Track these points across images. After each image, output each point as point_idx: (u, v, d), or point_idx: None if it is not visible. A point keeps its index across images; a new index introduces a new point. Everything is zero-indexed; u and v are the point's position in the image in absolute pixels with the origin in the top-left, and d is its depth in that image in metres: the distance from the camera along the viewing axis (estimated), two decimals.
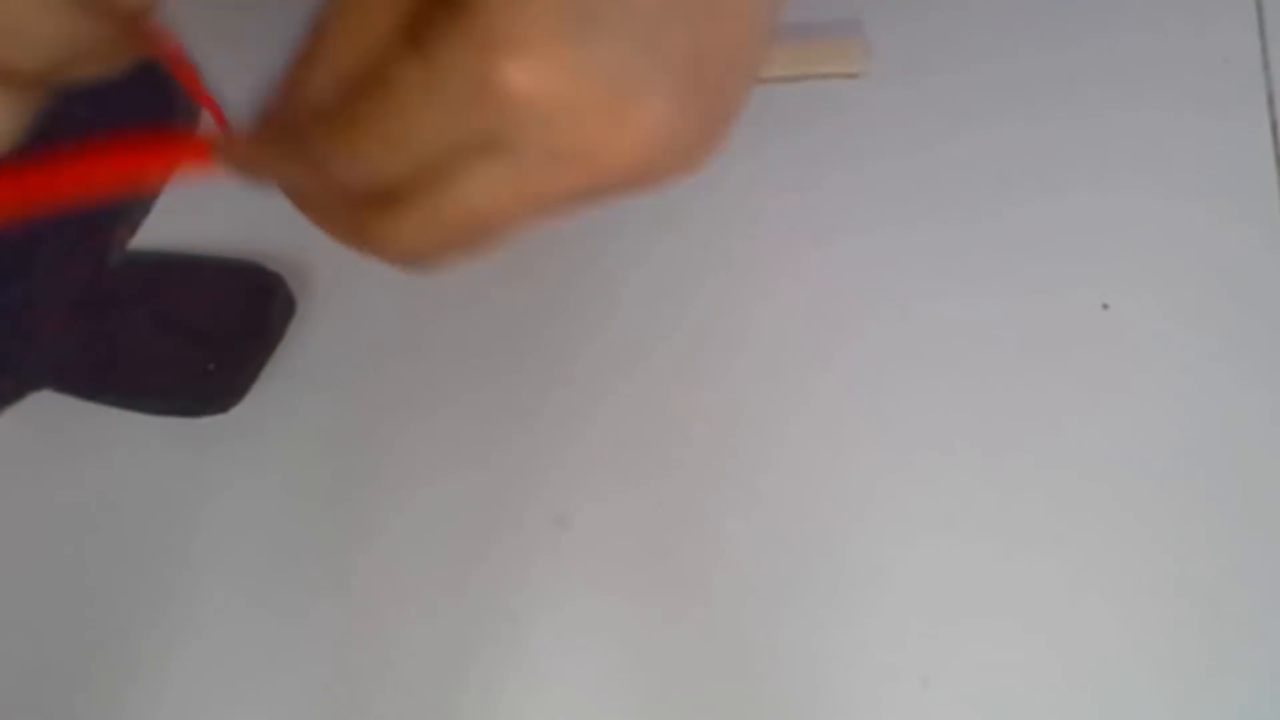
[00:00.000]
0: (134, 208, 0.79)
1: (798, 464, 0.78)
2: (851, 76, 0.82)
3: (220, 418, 0.81)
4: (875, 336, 0.81)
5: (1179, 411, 0.78)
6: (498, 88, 0.27)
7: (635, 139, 0.30)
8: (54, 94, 0.33)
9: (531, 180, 0.30)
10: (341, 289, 0.85)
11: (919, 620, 0.73)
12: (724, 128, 0.32)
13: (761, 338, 0.82)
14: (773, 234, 0.85)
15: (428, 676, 0.74)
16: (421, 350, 0.83)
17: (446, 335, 0.83)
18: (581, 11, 0.28)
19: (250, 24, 0.74)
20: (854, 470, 0.78)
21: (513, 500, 0.78)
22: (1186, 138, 0.86)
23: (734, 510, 0.77)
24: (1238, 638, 0.72)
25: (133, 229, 0.80)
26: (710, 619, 0.74)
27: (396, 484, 0.79)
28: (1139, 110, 0.87)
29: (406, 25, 0.29)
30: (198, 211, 0.85)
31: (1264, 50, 0.89)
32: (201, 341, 0.81)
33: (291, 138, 0.31)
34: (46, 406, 0.80)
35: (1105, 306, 0.82)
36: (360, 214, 0.31)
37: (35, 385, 0.80)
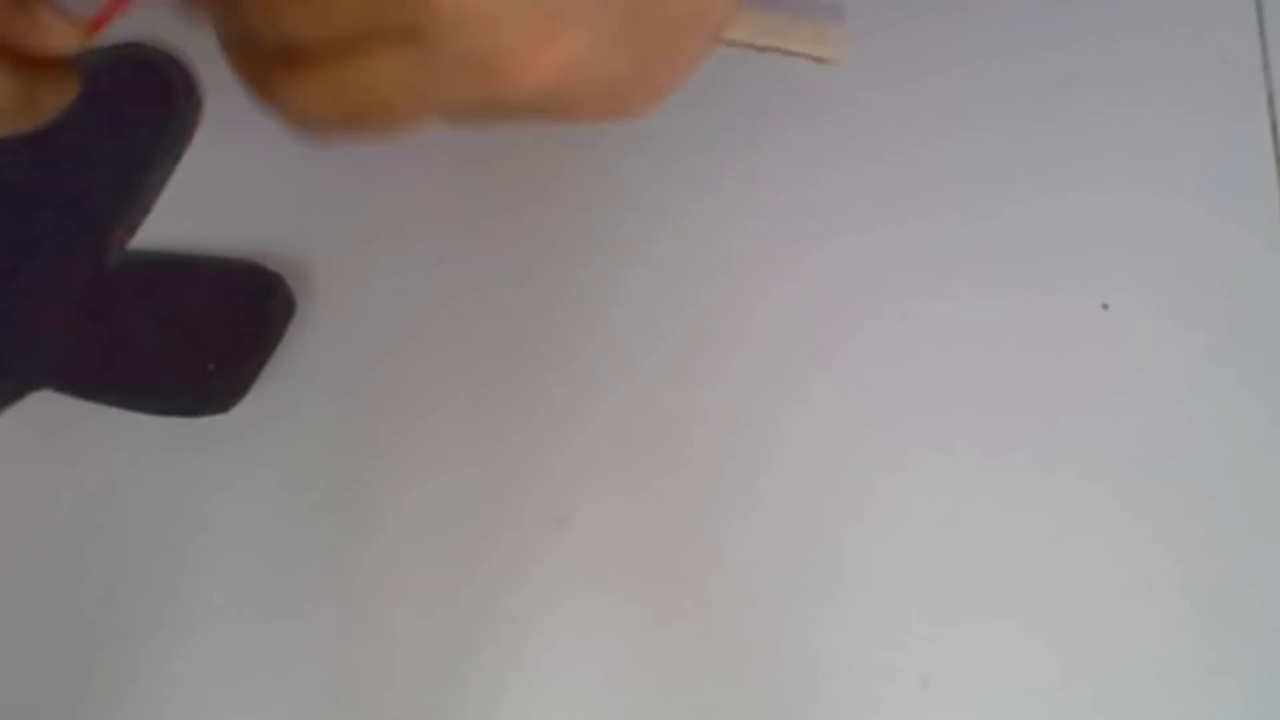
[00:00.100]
0: (134, 208, 0.79)
1: (798, 464, 0.78)
2: (822, 61, 0.81)
3: (220, 418, 0.81)
4: (875, 336, 0.81)
5: (1179, 411, 0.78)
6: None
7: (549, 64, 0.30)
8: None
9: (437, 80, 0.30)
10: (341, 289, 0.85)
11: (919, 620, 0.73)
12: (668, 76, 0.32)
13: (761, 337, 0.82)
14: (772, 234, 0.85)
15: (428, 676, 0.74)
16: (421, 350, 0.83)
17: (446, 335, 0.83)
18: None
19: None
20: (854, 470, 0.78)
21: (513, 500, 0.78)
22: (1186, 138, 0.86)
23: (734, 510, 0.77)
24: (1238, 638, 0.72)
25: (132, 229, 0.80)
26: (710, 619, 0.74)
27: (396, 483, 0.79)
28: (1138, 110, 0.87)
29: None
30: (198, 211, 0.86)
31: (1264, 50, 0.89)
32: (201, 341, 0.81)
33: None
34: (46, 406, 0.80)
35: (1105, 306, 0.82)
36: (269, 68, 0.32)
37: (35, 385, 0.80)
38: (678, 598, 0.75)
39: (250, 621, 0.76)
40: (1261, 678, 0.71)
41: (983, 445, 0.78)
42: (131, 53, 0.84)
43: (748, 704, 0.73)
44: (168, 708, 0.74)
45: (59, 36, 0.32)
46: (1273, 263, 0.82)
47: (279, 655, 0.75)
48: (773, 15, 0.86)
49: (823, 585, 0.75)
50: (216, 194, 0.86)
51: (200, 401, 0.81)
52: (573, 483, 0.78)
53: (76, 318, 0.80)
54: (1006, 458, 0.77)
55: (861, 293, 0.83)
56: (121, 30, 0.52)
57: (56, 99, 0.35)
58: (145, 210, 0.82)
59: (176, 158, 0.83)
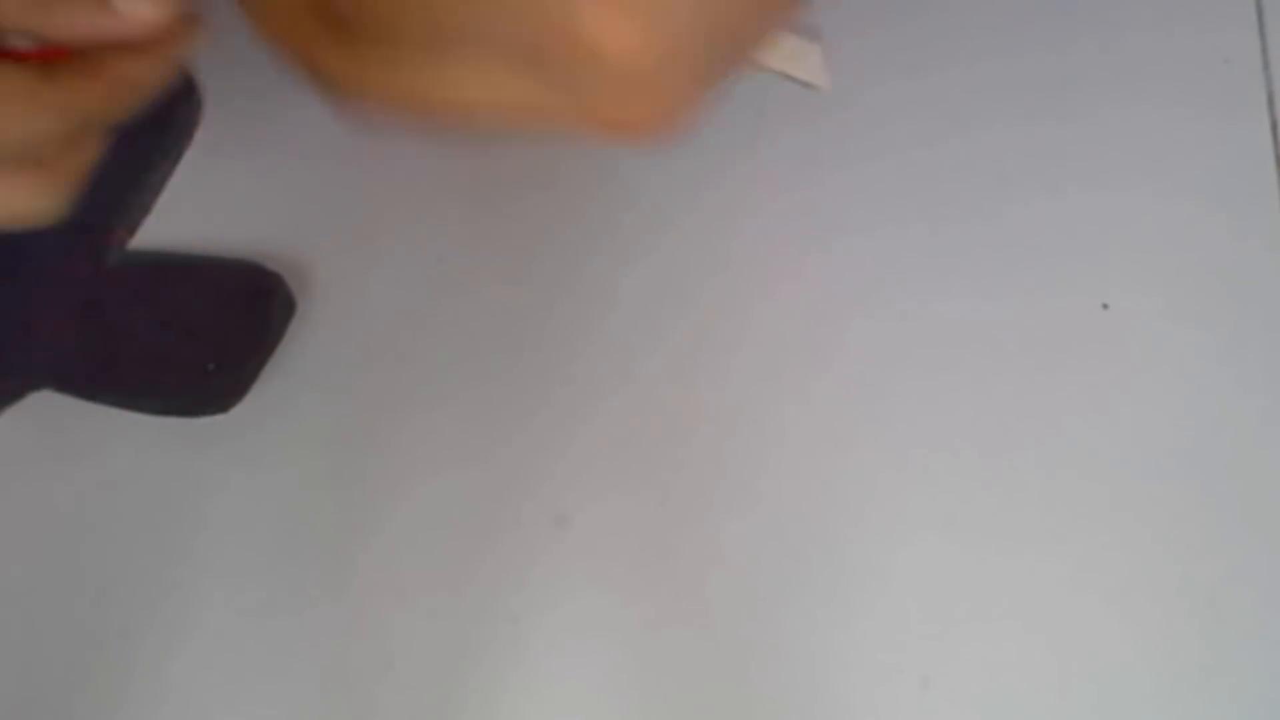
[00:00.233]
0: (134, 208, 0.79)
1: (798, 464, 0.78)
2: (807, 86, 0.81)
3: (220, 418, 0.81)
4: (875, 336, 0.81)
5: (1179, 411, 0.78)
6: (566, 20, 0.27)
7: (649, 107, 0.29)
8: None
9: (537, 102, 0.29)
10: (341, 289, 0.85)
11: (919, 620, 0.73)
12: (694, 99, 0.31)
13: (761, 337, 0.82)
14: (772, 234, 0.85)
15: (428, 676, 0.74)
16: (421, 350, 0.83)
17: (446, 335, 0.83)
18: None
19: None
20: (854, 470, 0.78)
21: (513, 500, 0.78)
22: (1186, 138, 0.86)
23: (734, 510, 0.77)
24: (1238, 638, 0.72)
25: (132, 229, 0.80)
26: (710, 619, 0.74)
27: (396, 483, 0.79)
28: (1139, 110, 0.87)
29: None
30: (198, 211, 0.85)
31: (1264, 50, 0.89)
32: (201, 341, 0.81)
33: None
34: (46, 406, 0.80)
35: (1105, 306, 0.82)
36: (326, 40, 0.29)
37: (35, 385, 0.80)
38: (678, 598, 0.75)
39: (250, 621, 0.76)
40: (1261, 678, 0.71)
41: (983, 445, 0.78)
42: None
43: (748, 704, 0.73)
44: (167, 707, 0.74)
45: (149, 18, 0.31)
46: (1273, 263, 0.82)
47: (279, 655, 0.75)
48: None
49: (823, 585, 0.75)
50: (216, 194, 0.86)
51: (200, 401, 0.81)
52: (573, 483, 0.78)
53: (76, 318, 0.80)
54: (1007, 458, 0.78)
55: (861, 293, 0.83)
56: None
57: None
58: (145, 210, 0.82)
59: (176, 159, 0.83)
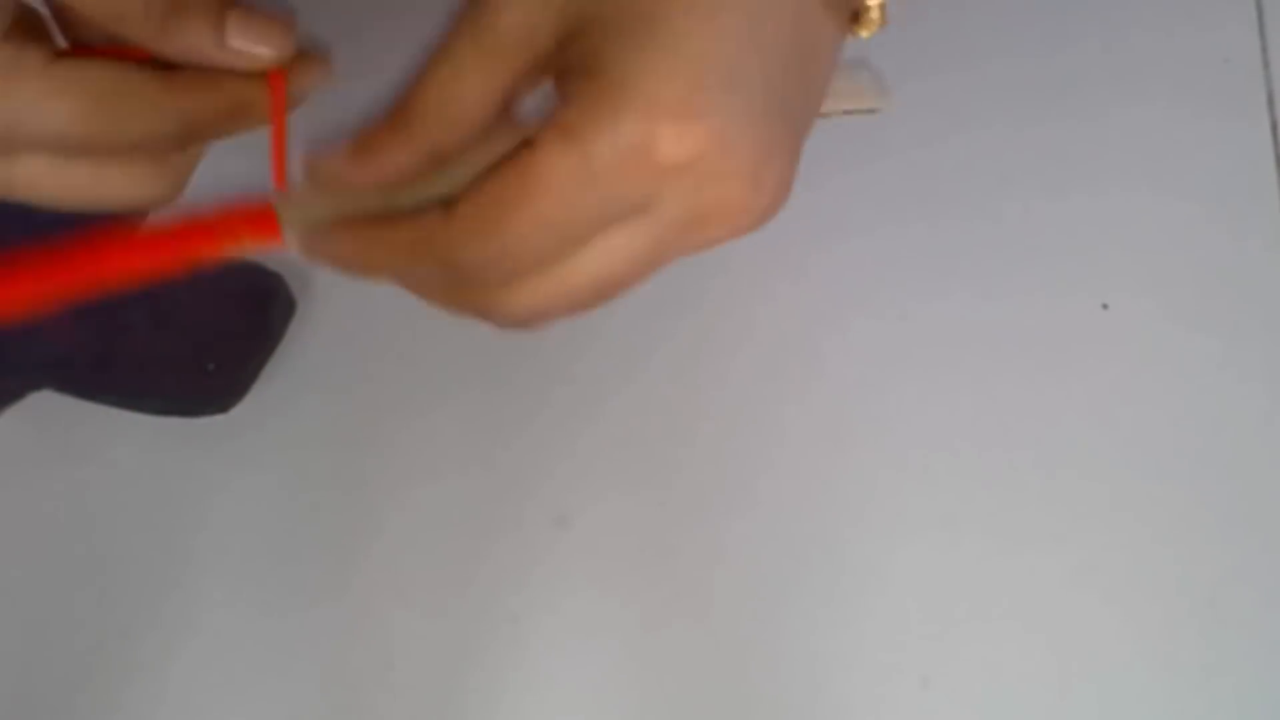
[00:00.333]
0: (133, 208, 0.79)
1: (798, 464, 0.78)
2: (875, 112, 0.84)
3: (220, 418, 0.81)
4: (875, 336, 0.81)
5: (1179, 411, 0.78)
6: (656, 159, 0.27)
7: (768, 197, 0.30)
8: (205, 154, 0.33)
9: (665, 243, 0.29)
10: (341, 289, 0.85)
11: (919, 620, 0.73)
12: (798, 159, 0.32)
13: (762, 338, 0.82)
14: (773, 234, 0.85)
15: (428, 676, 0.74)
16: (422, 350, 0.83)
17: (447, 335, 0.83)
18: (729, 77, 0.27)
19: None
20: (854, 470, 0.78)
21: (513, 500, 0.78)
22: (1186, 138, 0.86)
23: (734, 510, 0.77)
24: (1238, 638, 0.72)
25: (132, 229, 0.79)
26: (710, 619, 0.74)
27: (396, 484, 0.79)
28: (1139, 110, 0.87)
29: (500, 98, 0.28)
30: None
31: (1264, 50, 0.89)
32: (201, 341, 0.81)
33: (399, 233, 0.29)
34: (46, 406, 0.80)
35: (1105, 306, 0.82)
36: (475, 289, 0.30)
37: (35, 385, 0.80)
38: (678, 598, 0.75)
39: (250, 621, 0.76)
40: (1261, 678, 0.71)
41: (983, 445, 0.78)
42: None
43: (747, 703, 0.73)
44: (167, 708, 0.74)
45: (263, 57, 0.31)
46: (1273, 263, 0.82)
47: (279, 655, 0.75)
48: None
49: (823, 585, 0.75)
50: (216, 194, 0.86)
51: (200, 401, 0.81)
52: (573, 483, 0.78)
53: (76, 318, 0.79)
54: (1006, 457, 0.78)
55: (861, 293, 0.83)
56: None
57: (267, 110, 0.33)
58: (145, 211, 0.82)
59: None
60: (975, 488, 0.77)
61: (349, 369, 0.83)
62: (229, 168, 0.37)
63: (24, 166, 0.29)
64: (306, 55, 0.30)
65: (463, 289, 0.30)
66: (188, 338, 0.82)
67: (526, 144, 0.28)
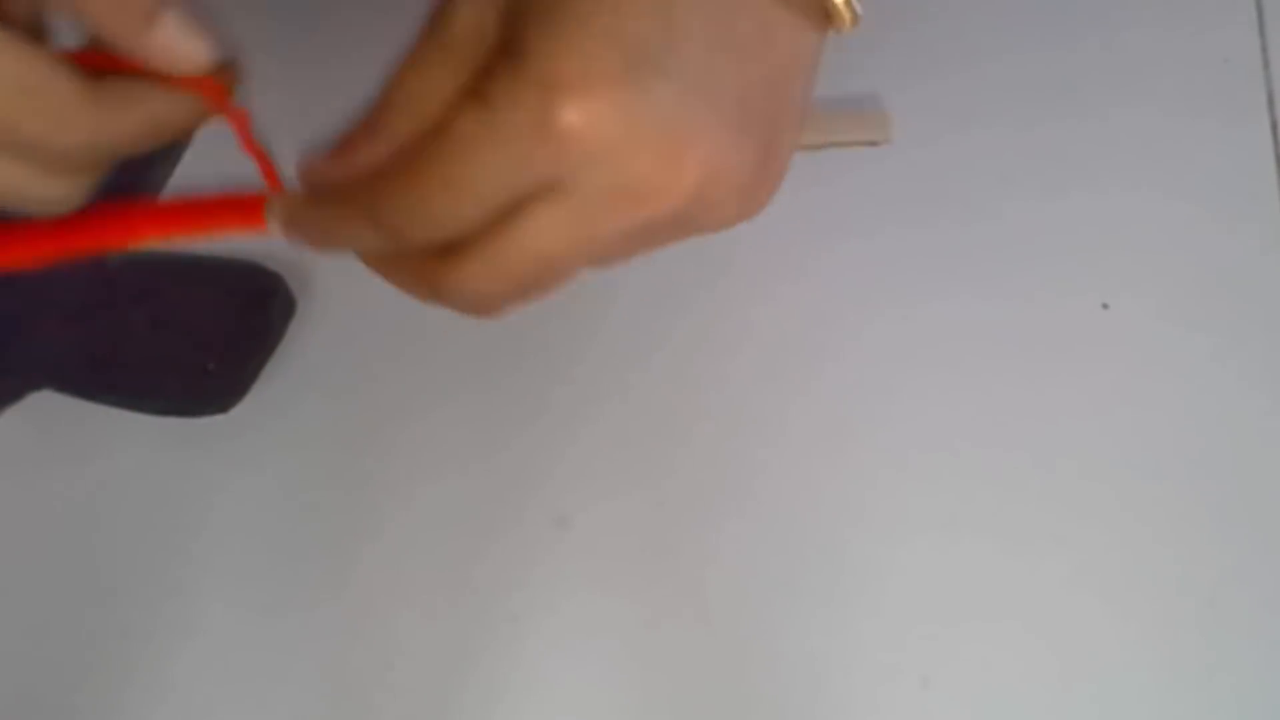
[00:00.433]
0: None
1: (797, 464, 0.78)
2: (876, 145, 0.86)
3: (220, 418, 0.81)
4: (875, 337, 0.81)
5: (1179, 411, 0.78)
6: (555, 128, 0.28)
7: (688, 177, 0.30)
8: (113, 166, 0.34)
9: (589, 221, 0.30)
10: (341, 289, 0.85)
11: (919, 620, 0.73)
12: (777, 170, 0.33)
13: (761, 338, 0.82)
14: (772, 235, 0.85)
15: (428, 676, 0.74)
16: (422, 350, 0.83)
17: (447, 335, 0.83)
18: (635, 54, 0.28)
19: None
20: (854, 470, 0.78)
21: (513, 500, 0.78)
22: (1186, 138, 0.86)
23: (734, 510, 0.77)
24: (1238, 638, 0.72)
25: None
26: (710, 619, 0.74)
27: (397, 484, 0.79)
28: (1139, 110, 0.87)
29: (460, 92, 0.29)
30: None
31: (1264, 50, 0.89)
32: (201, 341, 0.81)
33: (348, 198, 0.31)
34: (46, 406, 0.80)
35: (1105, 306, 0.82)
36: (425, 266, 0.31)
37: (35, 385, 0.80)
38: (677, 598, 0.75)
39: (250, 621, 0.76)
40: (1261, 678, 0.71)
41: (983, 445, 0.78)
42: None
43: (747, 704, 0.73)
44: (167, 708, 0.74)
45: (187, 58, 0.31)
46: (1273, 263, 0.82)
47: (279, 655, 0.75)
48: (823, 113, 0.87)
49: (823, 585, 0.75)
50: (213, 182, 0.86)
51: (200, 401, 0.81)
52: (573, 483, 0.78)
53: (76, 318, 0.80)
54: (1006, 457, 0.78)
55: (862, 293, 0.83)
56: None
57: (199, 118, 0.34)
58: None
59: (176, 159, 0.83)
60: (975, 488, 0.77)
61: (349, 369, 0.83)
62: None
63: None
64: (230, 64, 0.31)
65: (411, 264, 0.32)
66: (188, 338, 0.82)
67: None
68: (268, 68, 0.35)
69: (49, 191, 0.32)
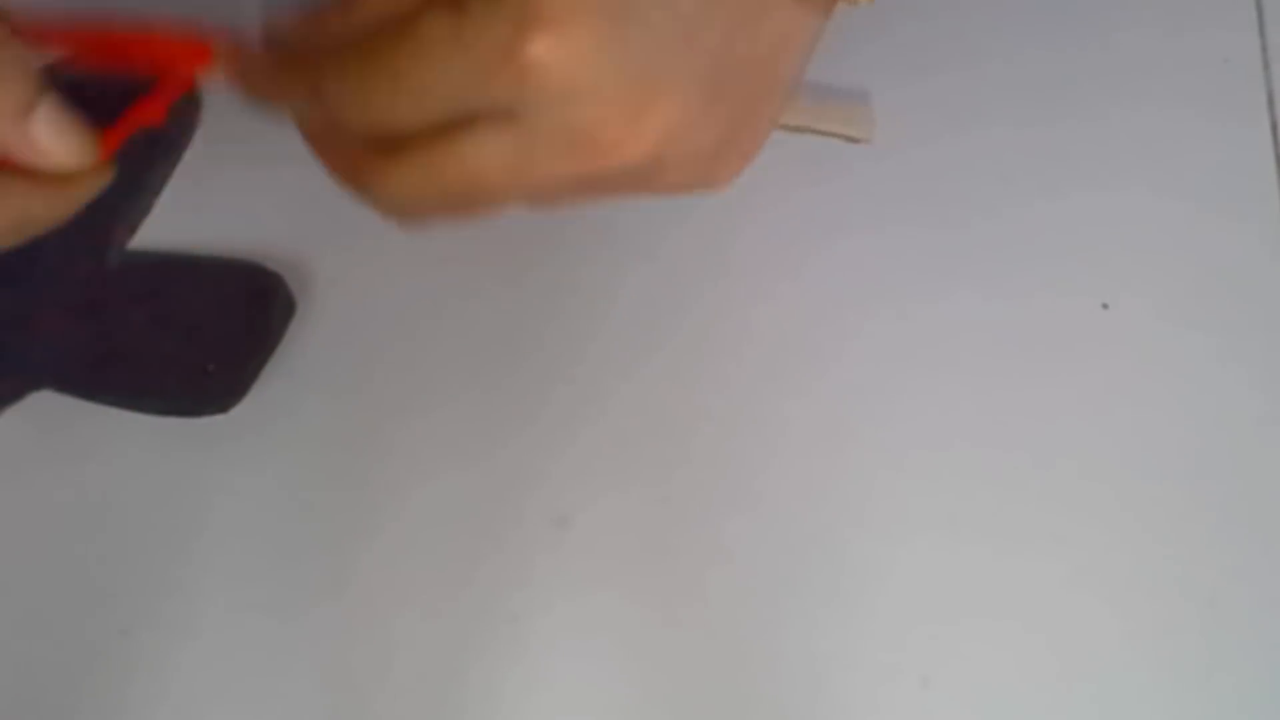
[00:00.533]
0: (134, 207, 0.79)
1: (798, 464, 0.78)
2: (854, 141, 0.85)
3: (220, 418, 0.81)
4: (875, 337, 0.81)
5: (1179, 411, 0.78)
6: (523, 59, 0.27)
7: (646, 135, 0.30)
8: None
9: (535, 157, 0.30)
10: (341, 289, 0.85)
11: (919, 620, 0.73)
12: (750, 144, 0.32)
13: (761, 338, 0.82)
14: (773, 235, 0.85)
15: (428, 676, 0.74)
16: (422, 350, 0.83)
17: (447, 335, 0.83)
18: (618, 7, 0.28)
19: None
20: (854, 470, 0.78)
21: (513, 500, 0.78)
22: (1186, 138, 0.86)
23: (734, 510, 0.77)
24: (1238, 638, 0.72)
25: (132, 229, 0.80)
26: (710, 619, 0.74)
27: (397, 484, 0.79)
28: (1138, 110, 0.87)
29: None
30: (198, 211, 0.85)
31: (1264, 50, 0.89)
32: (201, 341, 0.81)
33: (304, 65, 0.30)
34: (46, 406, 0.80)
35: (1105, 306, 0.82)
36: (359, 156, 0.31)
37: (35, 385, 0.80)
38: (678, 597, 0.75)
39: (250, 621, 0.76)
40: (1261, 678, 0.71)
41: (983, 445, 0.78)
42: None
43: (748, 704, 0.73)
44: (167, 708, 0.74)
45: (62, 156, 0.31)
46: (1273, 263, 0.82)
47: (279, 655, 0.75)
48: (805, 98, 0.87)
49: (823, 585, 0.75)
50: (216, 194, 0.86)
51: (200, 401, 0.81)
52: (573, 483, 0.78)
53: (76, 318, 0.80)
54: (1006, 458, 0.78)
55: (862, 293, 0.83)
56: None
57: (61, 205, 0.33)
58: (145, 210, 0.82)
59: (176, 158, 0.83)
60: (975, 488, 0.77)
61: (349, 369, 0.83)
62: None
63: None
64: (101, 167, 0.31)
65: (346, 151, 0.31)
66: (188, 338, 0.82)
67: None
68: None
69: None
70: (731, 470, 0.78)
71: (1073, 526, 0.75)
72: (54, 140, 0.30)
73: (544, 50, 0.27)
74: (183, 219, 0.84)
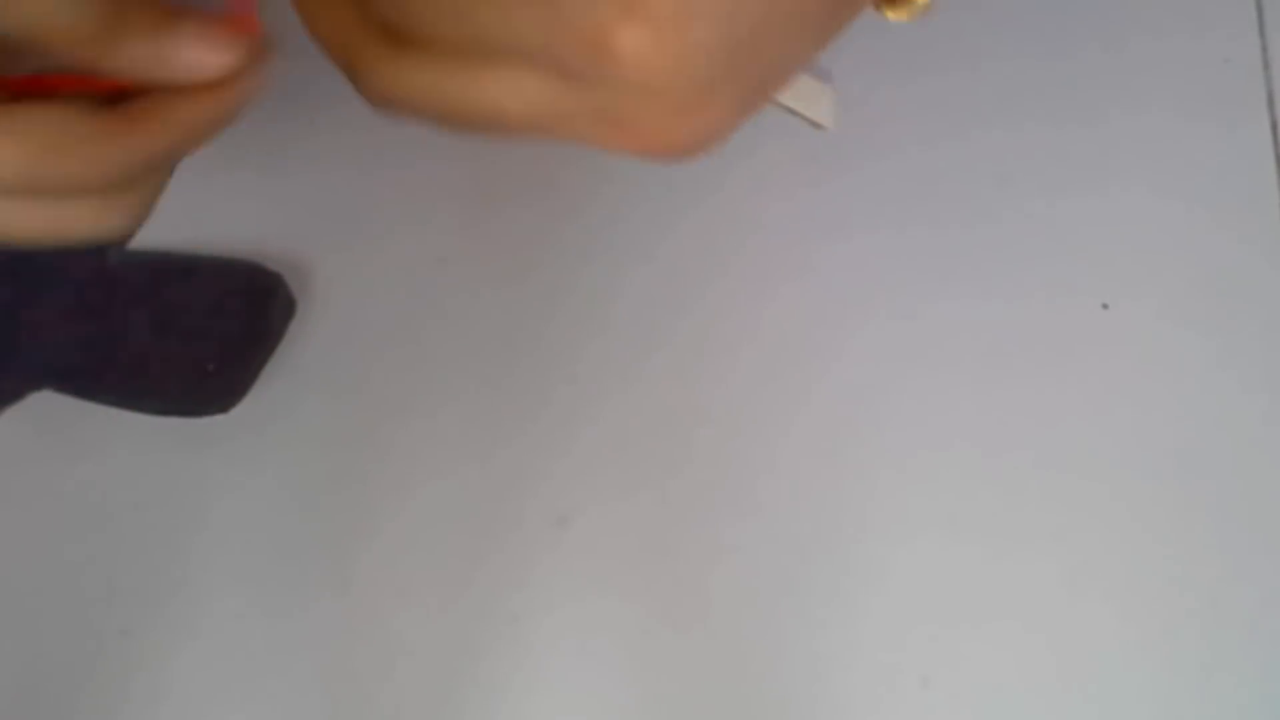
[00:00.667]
0: None
1: (798, 464, 0.78)
2: (817, 127, 0.84)
3: (220, 418, 0.81)
4: (875, 337, 0.81)
5: (1179, 412, 0.78)
6: (613, 43, 0.26)
7: (689, 133, 0.29)
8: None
9: (567, 119, 0.29)
10: (341, 289, 0.85)
11: (919, 620, 0.73)
12: (721, 120, 0.31)
13: (762, 338, 0.82)
14: (773, 235, 0.85)
15: (428, 676, 0.74)
16: (422, 350, 0.83)
17: (447, 335, 0.83)
18: (716, 11, 0.27)
19: None
20: (854, 470, 0.78)
21: (513, 500, 0.78)
22: (1186, 138, 0.86)
23: (734, 510, 0.77)
24: (1238, 638, 0.72)
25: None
26: (710, 619, 0.74)
27: (397, 484, 0.79)
28: (1138, 111, 0.87)
29: None
30: (197, 211, 0.85)
31: (1264, 50, 0.89)
32: (201, 341, 0.81)
33: None
34: (46, 406, 0.80)
35: (1105, 306, 0.82)
36: (363, 31, 0.29)
37: (35, 385, 0.80)
38: (678, 598, 0.75)
39: (250, 621, 0.76)
40: (1261, 678, 0.71)
41: (983, 445, 0.78)
42: None
43: (747, 703, 0.73)
44: (167, 707, 0.74)
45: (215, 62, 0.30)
46: (1273, 263, 0.82)
47: (279, 655, 0.75)
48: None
49: (823, 585, 0.75)
50: (217, 194, 0.86)
51: (200, 401, 0.81)
52: (573, 483, 0.78)
53: (76, 318, 0.80)
54: (1006, 458, 0.78)
55: (863, 294, 0.83)
56: None
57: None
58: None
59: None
60: (975, 488, 0.77)
61: (349, 369, 0.83)
62: None
63: None
64: (256, 52, 0.30)
65: (349, 24, 0.29)
66: (188, 338, 0.82)
67: None
68: None
69: (114, 220, 0.31)
70: (732, 471, 0.78)
71: (1073, 526, 0.75)
72: (203, 57, 0.29)
73: (636, 42, 0.26)
74: (183, 219, 0.85)
